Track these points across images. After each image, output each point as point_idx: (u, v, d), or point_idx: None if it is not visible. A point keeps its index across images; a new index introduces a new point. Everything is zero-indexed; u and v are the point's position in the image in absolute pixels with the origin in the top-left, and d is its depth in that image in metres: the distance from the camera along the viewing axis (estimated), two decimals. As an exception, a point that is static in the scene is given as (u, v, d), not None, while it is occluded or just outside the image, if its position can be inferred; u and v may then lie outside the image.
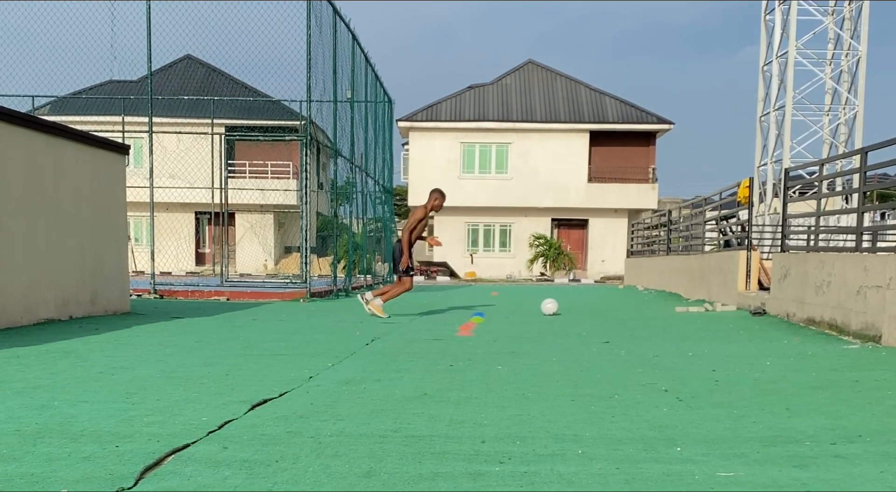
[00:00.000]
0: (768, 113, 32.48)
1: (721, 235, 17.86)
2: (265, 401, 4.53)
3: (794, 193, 29.64)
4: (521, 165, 40.04)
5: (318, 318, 11.21)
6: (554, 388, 5.11)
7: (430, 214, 12.17)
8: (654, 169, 40.51)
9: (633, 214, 40.28)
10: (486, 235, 41.25)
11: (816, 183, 12.57)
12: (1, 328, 8.54)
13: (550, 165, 39.86)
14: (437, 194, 11.79)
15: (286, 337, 8.30)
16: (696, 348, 7.54)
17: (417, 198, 40.24)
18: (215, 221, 25.01)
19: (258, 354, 6.70)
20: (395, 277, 11.81)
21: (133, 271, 21.60)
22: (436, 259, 40.90)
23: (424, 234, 12.42)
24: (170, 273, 29.39)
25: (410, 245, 11.56)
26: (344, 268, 19.20)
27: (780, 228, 13.67)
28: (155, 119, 15.74)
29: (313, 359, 6.43)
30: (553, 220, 41.07)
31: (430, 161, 40.17)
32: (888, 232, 15.62)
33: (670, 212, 22.17)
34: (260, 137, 20.99)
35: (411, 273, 11.77)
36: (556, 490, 2.94)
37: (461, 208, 39.57)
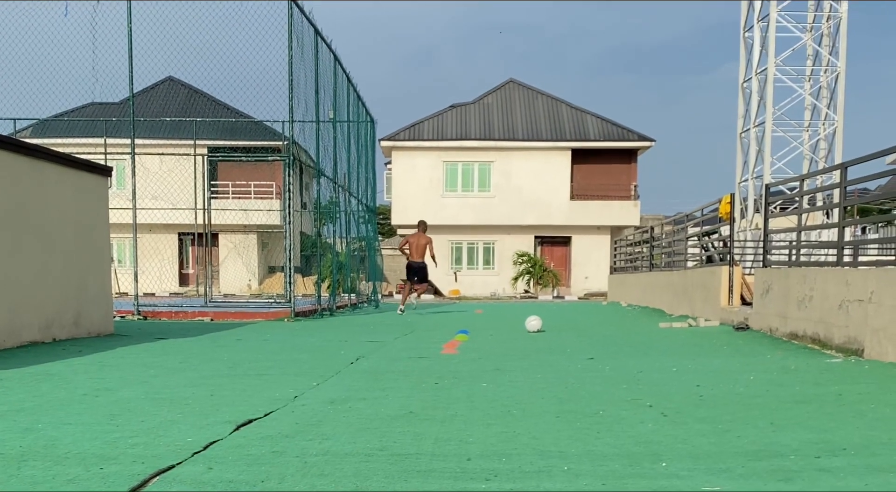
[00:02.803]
0: (748, 129, 32.73)
1: (703, 251, 17.94)
2: (250, 421, 4.50)
3: (775, 208, 29.89)
4: (503, 183, 40.16)
5: (302, 337, 11.18)
6: (539, 404, 5.11)
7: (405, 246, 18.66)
8: (635, 186, 40.70)
9: (615, 230, 40.44)
10: (469, 253, 41.28)
11: (797, 198, 12.67)
12: (-17, 352, 8.47)
13: (533, 182, 39.99)
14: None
15: (271, 357, 8.27)
16: (680, 364, 7.56)
17: (401, 217, 40.28)
18: (199, 241, 24.88)
19: (243, 375, 6.67)
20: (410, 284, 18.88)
21: (116, 293, 21.48)
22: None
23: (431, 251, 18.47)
24: (153, 294, 29.22)
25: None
26: (328, 287, 19.16)
27: (761, 244, 13.75)
28: (137, 141, 15.71)
29: (298, 378, 6.41)
30: (536, 237, 41.16)
31: (412, 180, 40.25)
32: (869, 246, 15.74)
33: (652, 228, 22.26)
34: (243, 158, 20.99)
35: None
36: (542, 507, 2.94)
37: (444, 227, 39.61)
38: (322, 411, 4.88)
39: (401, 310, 18.68)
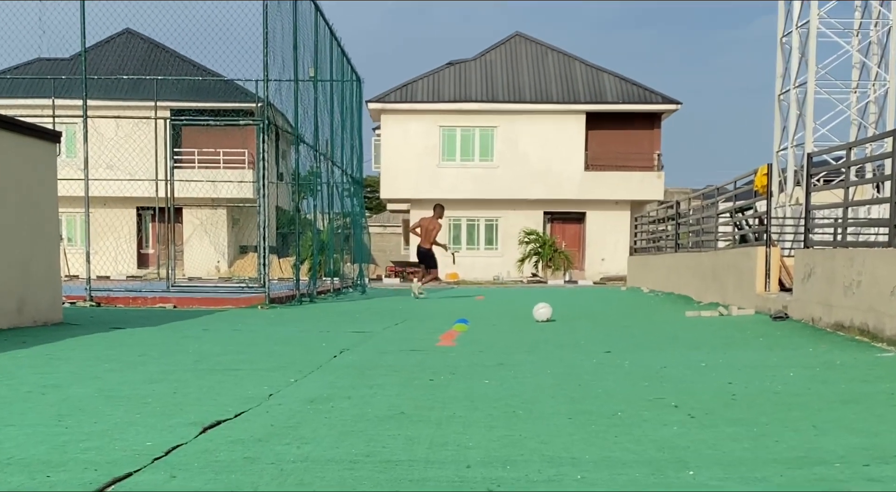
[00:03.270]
0: (788, 91, 32.60)
1: (736, 230, 17.92)
2: (219, 423, 4.50)
3: (818, 181, 29.80)
4: (508, 151, 40.12)
5: (278, 327, 11.17)
6: (548, 404, 5.11)
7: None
8: (659, 155, 40.68)
9: (636, 206, 40.42)
10: (469, 232, 41.30)
11: (843, 169, 12.64)
12: (-87, 342, 8.46)
13: (542, 151, 39.94)
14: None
15: (242, 349, 8.27)
16: (710, 358, 7.56)
17: (391, 189, 40.25)
18: (160, 217, 24.91)
19: (210, 369, 6.67)
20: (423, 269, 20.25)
21: (66, 276, 21.47)
22: (412, 259, 40.83)
23: (440, 238, 20.20)
24: (108, 277, 29.23)
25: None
26: (308, 270, 19.15)
27: (802, 221, 13.74)
28: (90, 102, 15.63)
29: (273, 374, 6.41)
30: (546, 213, 41.16)
31: (405, 148, 40.18)
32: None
33: (678, 203, 22.23)
34: (211, 122, 20.93)
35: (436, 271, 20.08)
36: (552, 521, 2.93)
37: (440, 200, 39.53)
38: (300, 411, 4.89)
39: (418, 293, 19.62)
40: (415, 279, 20.63)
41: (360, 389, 5.72)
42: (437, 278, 20.82)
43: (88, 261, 15.76)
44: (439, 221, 20.00)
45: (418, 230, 19.97)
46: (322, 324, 11.72)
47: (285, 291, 17.59)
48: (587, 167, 40.27)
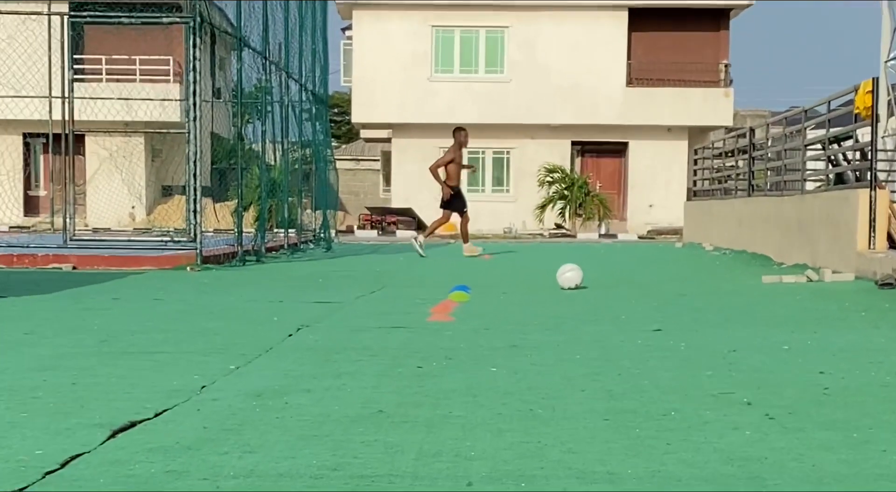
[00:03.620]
0: (902, -20, 32.44)
1: (830, 166, 17.91)
2: (133, 424, 4.49)
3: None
4: (524, 60, 40.01)
5: (214, 295, 11.22)
6: (578, 401, 5.12)
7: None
8: (726, 66, 40.61)
9: (695, 134, 40.42)
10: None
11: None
12: None
13: (569, 60, 39.82)
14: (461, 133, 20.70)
15: (166, 325, 8.28)
16: (795, 339, 7.59)
17: (366, 111, 40.16)
18: (55, 147, 24.77)
19: (122, 353, 6.68)
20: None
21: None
22: (394, 204, 40.80)
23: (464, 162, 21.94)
24: (-16, 229, 29.19)
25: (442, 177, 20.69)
26: (255, 220, 19.12)
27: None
28: (-42, -10, 15.50)
29: (208, 359, 6.43)
30: (575, 144, 41.16)
31: (385, 55, 40.05)
32: None
33: (752, 131, 22.19)
34: (124, 19, 20.75)
35: (464, 210, 21.39)
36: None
37: (433, 126, 39.55)
38: (244, 408, 4.88)
39: (473, 252, 21.00)
40: (416, 236, 21.20)
41: (325, 379, 5.73)
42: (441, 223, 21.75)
43: (-42, 206, 15.72)
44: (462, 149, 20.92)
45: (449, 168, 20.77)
46: (273, 291, 11.76)
47: (223, 247, 17.60)
48: (630, 82, 40.21)
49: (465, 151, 21.01)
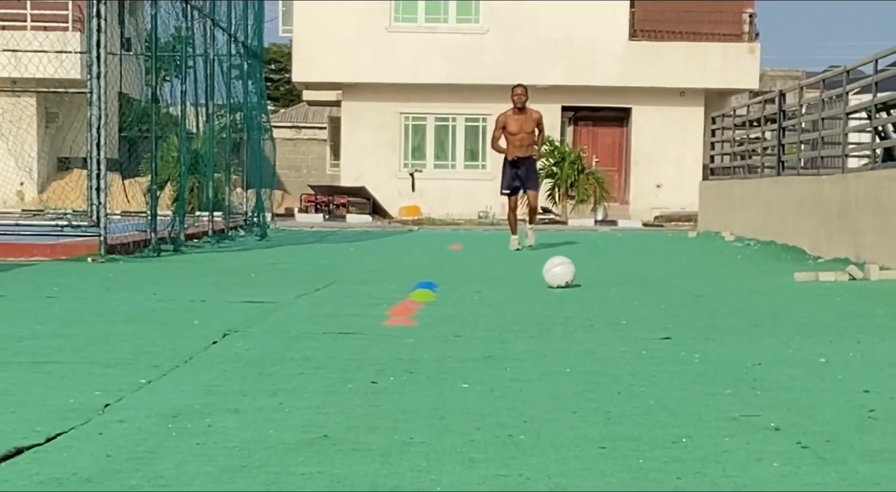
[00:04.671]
0: None
1: (878, 139, 17.99)
2: (20, 451, 4.47)
3: None
4: (504, 7, 40.01)
5: (121, 292, 11.20)
6: (568, 424, 5.13)
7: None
8: (751, 15, 40.71)
9: (713, 99, 40.49)
10: (439, 139, 41.28)
11: None
12: None
13: (560, 7, 39.76)
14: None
15: (61, 329, 8.24)
16: (834, 350, 7.61)
17: (310, 68, 40.02)
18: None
19: (6, 363, 6.68)
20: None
21: None
22: (344, 182, 40.70)
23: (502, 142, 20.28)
24: None
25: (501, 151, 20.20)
26: (173, 200, 19.08)
27: None
28: None
29: (113, 371, 6.42)
30: (566, 110, 41.14)
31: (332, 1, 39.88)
32: None
33: (783, 95, 22.26)
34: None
35: (503, 191, 20.31)
36: None
37: (391, 88, 39.54)
38: (157, 432, 4.87)
39: (515, 244, 20.37)
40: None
41: (258, 396, 5.74)
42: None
43: None
44: (535, 113, 20.18)
45: (502, 135, 20.08)
46: (194, 288, 11.76)
47: (133, 233, 17.53)
48: (634, 35, 40.25)
49: (512, 115, 19.65)
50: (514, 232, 20.40)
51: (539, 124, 19.82)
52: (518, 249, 19.67)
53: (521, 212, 21.07)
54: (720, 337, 8.29)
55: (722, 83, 39.91)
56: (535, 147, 20.06)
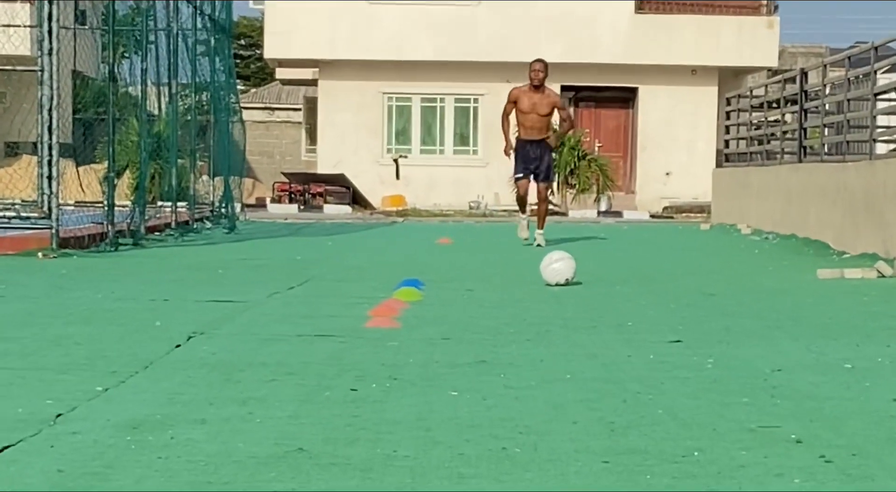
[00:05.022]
0: None
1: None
2: (-37, 468, 4.41)
3: None
4: (498, -20, 40.10)
5: (75, 291, 11.30)
6: (568, 436, 5.09)
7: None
8: (770, -12, 40.85)
9: (727, 78, 40.68)
10: (425, 122, 41.46)
11: None
12: None
13: (558, -21, 39.94)
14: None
15: (8, 332, 8.29)
16: (860, 355, 7.62)
17: (284, 44, 40.16)
18: None
19: (-53, 369, 6.61)
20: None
21: None
22: (321, 169, 40.80)
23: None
24: None
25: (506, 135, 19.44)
26: (133, 189, 19.07)
27: None
28: None
29: (65, 377, 6.40)
30: (566, 90, 41.17)
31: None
32: None
33: (805, 74, 22.30)
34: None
35: (516, 176, 19.81)
36: None
37: (373, 65, 39.72)
38: (114, 445, 4.82)
39: (525, 230, 19.90)
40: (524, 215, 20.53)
41: (225, 405, 5.71)
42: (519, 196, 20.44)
43: None
44: (553, 95, 20.04)
45: (513, 112, 19.45)
46: (156, 286, 11.81)
47: (89, 226, 17.58)
48: (641, 7, 40.43)
49: (526, 91, 19.08)
50: (523, 210, 19.87)
51: (556, 108, 19.31)
52: (527, 242, 19.05)
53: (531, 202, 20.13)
54: (735, 340, 8.32)
55: (737, 61, 40.08)
56: (550, 133, 19.47)
